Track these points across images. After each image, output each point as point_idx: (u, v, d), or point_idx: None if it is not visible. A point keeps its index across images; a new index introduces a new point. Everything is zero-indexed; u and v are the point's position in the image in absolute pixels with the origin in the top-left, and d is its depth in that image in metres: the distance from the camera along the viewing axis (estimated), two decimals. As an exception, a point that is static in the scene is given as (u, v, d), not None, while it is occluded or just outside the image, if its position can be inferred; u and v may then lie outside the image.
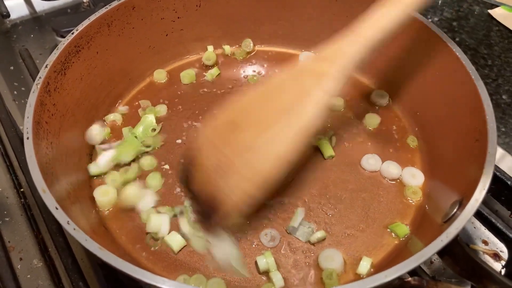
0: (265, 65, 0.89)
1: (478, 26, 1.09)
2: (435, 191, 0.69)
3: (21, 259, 0.70)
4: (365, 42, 0.58)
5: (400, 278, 0.50)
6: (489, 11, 1.14)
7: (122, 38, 0.79)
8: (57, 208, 0.52)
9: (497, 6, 1.15)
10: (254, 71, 0.89)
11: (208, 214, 0.62)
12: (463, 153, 0.65)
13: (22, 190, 0.78)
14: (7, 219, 0.74)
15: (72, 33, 0.71)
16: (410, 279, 0.50)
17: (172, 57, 0.88)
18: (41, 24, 1.12)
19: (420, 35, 0.74)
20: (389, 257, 0.63)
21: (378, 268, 0.62)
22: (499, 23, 1.11)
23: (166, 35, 0.85)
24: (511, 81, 0.96)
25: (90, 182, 0.71)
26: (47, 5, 1.15)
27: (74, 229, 0.50)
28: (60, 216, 0.51)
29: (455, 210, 0.57)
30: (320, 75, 0.58)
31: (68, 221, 0.51)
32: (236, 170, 0.58)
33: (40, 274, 0.68)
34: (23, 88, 0.96)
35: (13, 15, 1.09)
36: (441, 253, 0.55)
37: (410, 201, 0.69)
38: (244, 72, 0.89)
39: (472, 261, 0.52)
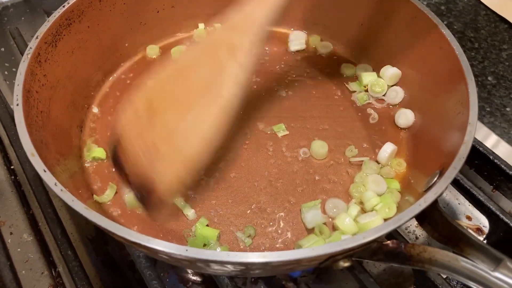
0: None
1: (465, 10, 1.11)
2: (419, 165, 0.70)
3: (11, 233, 0.71)
4: (274, 2, 0.55)
5: (378, 241, 0.51)
6: None
7: (113, 13, 0.79)
8: (45, 171, 0.53)
9: None
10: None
11: (143, 197, 0.60)
12: (446, 127, 0.66)
13: (12, 167, 0.79)
14: (-2, 195, 0.76)
15: (63, 6, 0.71)
16: (388, 242, 0.51)
17: (163, 34, 0.89)
18: (32, 6, 1.10)
19: (406, 12, 0.75)
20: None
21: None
22: (487, 8, 1.12)
23: (158, 12, 0.86)
24: (497, 63, 0.98)
25: (80, 153, 0.72)
26: None
27: (61, 190, 0.51)
28: (48, 178, 0.52)
29: (435, 179, 0.59)
30: (232, 47, 0.55)
31: (55, 183, 0.52)
32: (163, 155, 0.56)
33: (30, 247, 0.70)
34: (14, 69, 0.96)
35: None
36: (422, 220, 0.57)
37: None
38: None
39: (449, 225, 0.53)
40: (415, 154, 0.72)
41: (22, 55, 0.84)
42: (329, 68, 0.86)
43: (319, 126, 0.77)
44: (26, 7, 1.10)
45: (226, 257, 0.46)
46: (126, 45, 0.85)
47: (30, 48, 0.65)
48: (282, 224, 0.66)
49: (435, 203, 0.54)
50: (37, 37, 0.67)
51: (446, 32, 0.70)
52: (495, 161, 0.74)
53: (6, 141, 0.81)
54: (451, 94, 0.67)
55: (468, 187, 0.70)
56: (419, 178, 0.66)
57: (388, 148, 0.71)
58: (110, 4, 0.78)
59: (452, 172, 0.55)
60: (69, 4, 0.72)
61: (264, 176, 0.70)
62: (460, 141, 0.58)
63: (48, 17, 0.96)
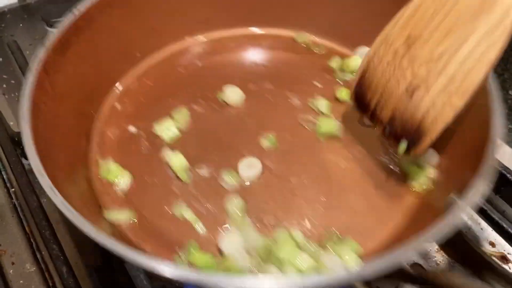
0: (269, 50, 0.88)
1: None
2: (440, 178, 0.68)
3: (13, 263, 0.68)
4: None
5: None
6: None
7: (123, 18, 0.77)
8: (51, 188, 0.51)
9: None
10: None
11: (409, 138, 0.59)
12: (470, 143, 0.64)
13: (13, 189, 0.76)
14: (-3, 220, 0.72)
15: (73, 13, 0.70)
16: (408, 266, 0.49)
17: (174, 38, 0.87)
18: (30, 12, 1.07)
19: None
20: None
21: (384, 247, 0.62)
22: None
23: (168, 16, 0.84)
24: None
25: (87, 164, 0.71)
26: None
27: (73, 212, 0.50)
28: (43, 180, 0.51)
29: (456, 199, 0.56)
30: None
31: (63, 202, 0.50)
32: (430, 82, 0.54)
33: (33, 279, 0.66)
34: (12, 81, 0.92)
35: (1, 3, 1.05)
36: (443, 244, 0.54)
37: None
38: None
39: (472, 251, 0.51)
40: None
41: (20, 67, 0.82)
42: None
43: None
44: (23, 13, 1.07)
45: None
46: (136, 50, 0.83)
47: (38, 58, 0.64)
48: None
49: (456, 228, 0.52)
50: (45, 46, 0.65)
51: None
52: None
53: (5, 161, 0.77)
54: (470, 110, 0.64)
55: (492, 215, 0.67)
56: (436, 196, 0.64)
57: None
58: (120, 9, 0.76)
59: (475, 194, 0.52)
60: (79, 11, 0.70)
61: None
62: (481, 162, 0.56)
63: (47, 25, 0.95)
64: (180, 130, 0.75)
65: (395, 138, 0.62)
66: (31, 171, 0.76)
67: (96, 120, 0.76)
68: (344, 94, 0.79)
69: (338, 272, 0.45)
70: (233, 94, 0.79)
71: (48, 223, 0.65)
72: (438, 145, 0.70)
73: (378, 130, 0.64)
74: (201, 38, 0.89)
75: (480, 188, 0.53)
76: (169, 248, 0.62)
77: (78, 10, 0.71)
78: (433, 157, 0.68)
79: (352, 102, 0.67)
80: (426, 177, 0.67)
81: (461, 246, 0.52)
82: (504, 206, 0.72)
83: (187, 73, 0.84)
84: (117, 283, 0.65)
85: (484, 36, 0.52)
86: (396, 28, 0.58)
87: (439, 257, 0.66)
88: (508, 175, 0.71)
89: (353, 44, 0.86)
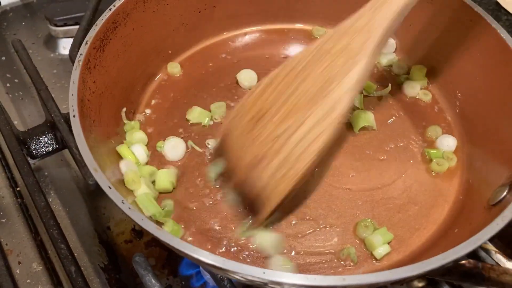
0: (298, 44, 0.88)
1: None
2: (479, 175, 0.68)
3: (19, 263, 0.67)
4: (398, 7, 0.52)
5: (455, 261, 0.49)
6: None
7: (156, 14, 0.77)
8: (110, 188, 0.51)
9: None
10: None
11: (250, 208, 0.61)
12: (508, 135, 0.64)
13: (18, 189, 0.75)
14: (3, 220, 0.71)
15: (110, 9, 0.69)
16: (465, 261, 0.50)
17: (205, 34, 0.86)
18: (33, 11, 1.07)
19: (461, 15, 0.73)
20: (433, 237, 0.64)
21: (429, 243, 0.63)
22: (507, 12, 1.06)
23: (199, 12, 0.83)
24: None
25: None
26: None
27: (130, 208, 0.50)
28: (114, 196, 0.51)
29: (504, 193, 0.57)
30: (353, 53, 0.53)
31: (122, 200, 0.50)
32: (268, 162, 0.56)
33: (40, 278, 0.66)
34: (16, 80, 0.92)
35: (3, 2, 1.04)
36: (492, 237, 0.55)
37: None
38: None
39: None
40: (473, 162, 0.70)
41: (25, 67, 0.79)
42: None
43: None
44: (26, 11, 1.06)
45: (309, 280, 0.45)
46: (168, 46, 0.82)
47: (81, 54, 0.63)
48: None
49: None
50: (86, 43, 0.65)
51: (504, 34, 0.67)
52: None
53: (10, 161, 0.76)
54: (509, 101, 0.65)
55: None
56: (482, 188, 0.65)
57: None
58: (154, 5, 0.76)
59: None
60: (115, 7, 0.70)
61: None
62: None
63: (50, 23, 0.95)
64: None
65: (243, 203, 0.63)
66: (37, 169, 0.78)
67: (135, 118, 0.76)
68: (368, 86, 0.80)
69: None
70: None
71: (56, 222, 0.64)
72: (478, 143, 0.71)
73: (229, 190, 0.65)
74: (232, 34, 0.89)
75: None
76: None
77: (114, 5, 0.70)
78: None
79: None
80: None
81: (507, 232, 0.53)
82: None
83: (220, 68, 0.84)
84: (123, 282, 0.66)
85: (314, 125, 0.53)
86: (248, 102, 0.60)
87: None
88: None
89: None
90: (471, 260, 0.50)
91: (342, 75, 0.53)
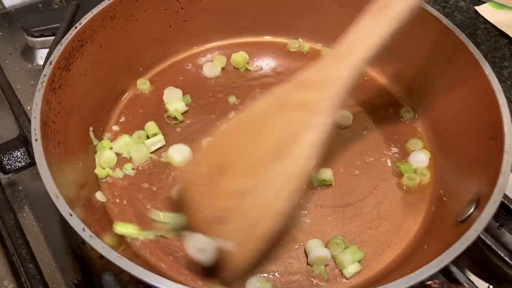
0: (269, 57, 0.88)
1: (464, 24, 1.06)
2: (450, 189, 0.68)
3: None
4: (357, 62, 0.51)
5: (421, 282, 0.49)
6: (476, 7, 1.10)
7: (125, 30, 0.76)
8: (71, 215, 0.50)
9: (484, 2, 1.11)
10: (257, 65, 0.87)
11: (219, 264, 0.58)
12: (478, 152, 0.64)
13: None
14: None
15: (75, 27, 0.68)
16: (430, 282, 0.50)
17: (177, 49, 0.86)
18: (10, 20, 1.05)
19: (441, 38, 0.73)
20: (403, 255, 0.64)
21: (400, 260, 0.63)
22: (486, 21, 1.06)
23: (170, 27, 0.83)
24: (507, 88, 0.94)
25: (98, 181, 0.70)
26: (16, 1, 1.08)
27: (90, 236, 0.49)
28: (75, 223, 0.50)
29: (471, 210, 0.57)
30: (310, 108, 0.50)
31: (83, 228, 0.49)
32: (232, 221, 0.52)
33: None
34: None
35: None
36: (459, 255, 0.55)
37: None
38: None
39: (490, 263, 0.52)
40: (445, 176, 0.71)
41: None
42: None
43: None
44: (3, 21, 1.05)
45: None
46: (139, 62, 0.82)
47: (45, 75, 0.62)
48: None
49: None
50: (50, 63, 0.64)
51: (474, 51, 0.67)
52: (502, 200, 0.64)
53: None
54: (480, 117, 0.65)
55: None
56: (449, 205, 0.65)
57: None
58: (122, 21, 0.75)
59: (493, 206, 0.53)
60: (81, 25, 0.69)
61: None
62: (496, 171, 0.56)
63: (27, 34, 0.94)
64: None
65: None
66: (11, 184, 0.77)
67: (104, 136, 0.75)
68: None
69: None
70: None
71: (25, 241, 0.62)
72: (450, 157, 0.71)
73: None
74: (202, 48, 0.88)
75: (499, 195, 0.53)
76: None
77: (80, 23, 0.69)
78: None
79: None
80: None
81: (479, 257, 0.53)
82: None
83: (190, 83, 0.83)
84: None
85: (275, 183, 0.51)
86: (208, 155, 0.58)
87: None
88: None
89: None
90: (436, 281, 0.50)
91: (298, 133, 0.50)
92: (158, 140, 0.73)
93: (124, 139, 0.73)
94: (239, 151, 0.53)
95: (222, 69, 0.85)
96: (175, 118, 0.77)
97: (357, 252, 0.62)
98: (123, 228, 0.64)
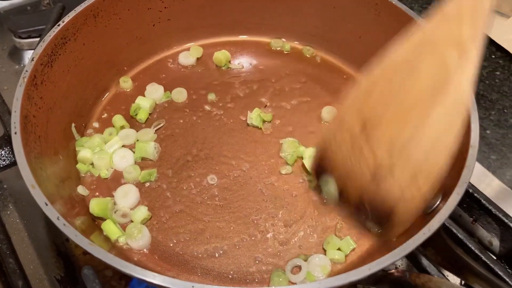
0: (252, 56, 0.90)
1: None
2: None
3: None
4: None
5: (383, 270, 0.51)
6: None
7: (108, 29, 0.78)
8: (46, 204, 0.52)
9: None
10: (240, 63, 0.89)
11: (378, 222, 0.59)
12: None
13: None
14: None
15: (59, 25, 0.70)
16: (393, 270, 0.52)
17: (160, 47, 0.88)
18: None
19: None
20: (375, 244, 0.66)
21: (364, 258, 0.64)
22: None
23: (153, 25, 0.85)
24: (476, 82, 0.94)
25: (79, 177, 0.72)
26: (4, 3, 1.10)
27: (64, 224, 0.51)
28: (50, 212, 0.51)
29: (438, 202, 0.59)
30: (459, 41, 0.48)
31: (58, 217, 0.51)
32: (396, 170, 0.51)
33: None
34: None
35: None
36: (424, 244, 0.57)
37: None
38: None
39: (452, 253, 0.53)
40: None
41: None
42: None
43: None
44: None
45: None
46: (122, 60, 0.83)
47: (26, 71, 0.64)
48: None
49: (438, 230, 0.54)
50: (32, 59, 0.65)
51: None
52: (475, 194, 0.70)
53: None
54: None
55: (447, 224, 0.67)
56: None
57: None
58: (105, 19, 0.77)
59: (455, 198, 0.55)
60: (64, 23, 0.70)
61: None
62: (462, 164, 0.58)
63: (15, 36, 0.96)
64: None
65: (366, 217, 0.60)
66: None
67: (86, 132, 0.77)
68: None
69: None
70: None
71: (6, 236, 0.64)
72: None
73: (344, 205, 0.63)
74: (185, 46, 0.90)
75: (460, 192, 0.55)
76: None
77: (63, 21, 0.71)
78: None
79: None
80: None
81: (443, 247, 0.55)
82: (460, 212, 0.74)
83: (172, 80, 0.85)
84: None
85: (440, 122, 0.50)
86: (353, 109, 0.56)
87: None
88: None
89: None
90: (399, 269, 0.51)
91: (456, 68, 0.49)
92: (115, 142, 0.74)
93: (94, 140, 0.73)
94: (389, 100, 0.52)
95: (198, 59, 0.88)
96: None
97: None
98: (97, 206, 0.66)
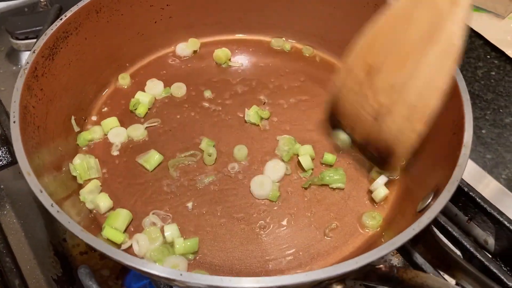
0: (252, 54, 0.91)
1: None
2: (416, 181, 0.70)
3: None
4: None
5: (371, 265, 0.51)
6: None
7: (110, 24, 0.79)
8: (41, 191, 0.53)
9: None
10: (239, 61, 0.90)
11: (382, 159, 0.65)
12: (441, 147, 0.67)
13: None
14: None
15: (61, 19, 0.71)
16: (381, 266, 0.52)
17: (161, 44, 0.89)
18: None
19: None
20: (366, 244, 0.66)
21: (354, 253, 0.64)
22: None
23: (155, 22, 0.86)
24: (472, 82, 0.97)
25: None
26: (2, 4, 1.11)
27: (58, 211, 0.51)
28: (44, 199, 0.52)
29: (429, 200, 0.59)
30: None
31: (52, 204, 0.52)
32: (394, 111, 0.58)
33: None
34: None
35: None
36: (415, 241, 0.57)
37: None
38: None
39: (441, 250, 0.54)
40: (409, 172, 0.73)
41: None
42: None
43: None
44: None
45: (219, 282, 0.46)
46: (123, 55, 0.85)
47: (27, 63, 0.65)
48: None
49: (428, 226, 0.55)
50: (34, 51, 0.67)
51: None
52: (470, 193, 0.71)
53: None
54: (445, 113, 0.67)
55: (442, 223, 0.68)
56: (413, 196, 0.67)
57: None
58: (107, 15, 0.78)
59: (446, 196, 0.55)
60: (66, 17, 0.72)
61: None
62: (454, 163, 0.58)
63: (12, 37, 0.97)
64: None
65: (371, 156, 0.68)
66: None
67: (86, 125, 0.78)
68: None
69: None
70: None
71: (3, 236, 0.65)
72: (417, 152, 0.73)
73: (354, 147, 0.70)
74: (187, 43, 0.91)
75: (453, 185, 0.55)
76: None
77: (65, 15, 0.72)
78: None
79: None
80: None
81: (432, 244, 0.55)
82: (456, 211, 0.75)
83: (172, 78, 0.86)
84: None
85: (433, 64, 0.55)
86: (358, 58, 0.62)
87: (395, 260, 0.70)
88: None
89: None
90: (387, 264, 0.52)
91: (445, 15, 0.54)
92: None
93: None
94: (389, 47, 0.58)
95: (194, 52, 0.89)
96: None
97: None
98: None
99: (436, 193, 0.59)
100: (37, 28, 0.95)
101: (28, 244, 0.73)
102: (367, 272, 0.53)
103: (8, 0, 1.10)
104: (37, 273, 0.70)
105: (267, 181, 0.71)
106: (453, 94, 0.65)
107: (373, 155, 0.67)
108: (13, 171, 0.78)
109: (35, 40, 0.95)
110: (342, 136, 0.70)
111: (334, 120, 0.69)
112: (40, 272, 0.70)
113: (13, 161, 0.74)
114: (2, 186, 0.80)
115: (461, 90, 0.65)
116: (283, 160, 0.74)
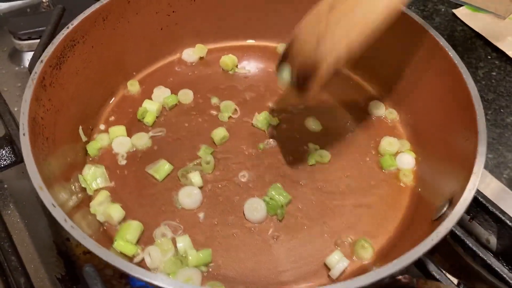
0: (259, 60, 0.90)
1: (442, 26, 1.10)
2: (429, 189, 0.70)
3: None
4: None
5: (390, 277, 0.51)
6: (454, 10, 1.14)
7: (117, 32, 0.78)
8: (54, 206, 0.52)
9: (461, 5, 1.16)
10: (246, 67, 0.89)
11: (303, 79, 0.64)
12: (455, 153, 0.66)
13: None
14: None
15: (67, 27, 0.70)
16: (400, 277, 0.51)
17: (167, 51, 0.88)
18: None
19: (414, 34, 0.75)
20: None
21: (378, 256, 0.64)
22: (463, 23, 1.11)
23: (161, 29, 0.85)
24: (482, 88, 0.97)
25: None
26: (4, 5, 1.10)
27: (72, 226, 0.51)
28: (57, 213, 0.52)
29: (445, 208, 0.59)
30: None
31: (65, 219, 0.51)
32: (336, 30, 0.59)
33: None
34: None
35: None
36: (432, 251, 0.56)
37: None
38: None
39: (460, 259, 0.53)
40: (423, 180, 0.72)
41: None
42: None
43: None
44: None
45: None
46: (130, 63, 0.84)
47: (35, 73, 0.64)
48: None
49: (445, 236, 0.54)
50: (41, 61, 0.66)
51: (454, 55, 0.69)
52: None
53: None
54: (458, 122, 0.67)
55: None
56: (429, 203, 0.66)
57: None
58: (114, 23, 0.77)
59: (463, 204, 0.55)
60: (73, 25, 0.71)
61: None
62: (469, 168, 0.58)
63: (14, 37, 0.96)
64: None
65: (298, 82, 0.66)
66: None
67: (94, 134, 0.77)
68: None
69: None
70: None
71: (7, 235, 0.65)
72: (428, 155, 0.73)
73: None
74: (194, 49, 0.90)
75: (470, 194, 0.55)
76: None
77: (72, 24, 0.71)
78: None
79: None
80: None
81: (450, 253, 0.54)
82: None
83: (179, 85, 0.85)
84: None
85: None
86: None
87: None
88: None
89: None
90: (406, 276, 0.51)
91: None
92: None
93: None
94: None
95: (201, 58, 0.89)
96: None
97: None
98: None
99: (452, 202, 0.59)
100: (40, 28, 0.94)
101: (32, 243, 0.73)
102: (386, 284, 0.52)
103: (10, 0, 1.10)
104: (41, 272, 0.70)
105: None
106: (464, 100, 0.65)
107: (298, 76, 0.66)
108: (16, 170, 0.78)
109: (38, 40, 0.95)
110: (284, 73, 0.68)
111: (283, 59, 0.69)
112: (44, 271, 0.70)
113: (17, 161, 0.74)
114: (6, 186, 0.80)
115: (473, 97, 0.65)
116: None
